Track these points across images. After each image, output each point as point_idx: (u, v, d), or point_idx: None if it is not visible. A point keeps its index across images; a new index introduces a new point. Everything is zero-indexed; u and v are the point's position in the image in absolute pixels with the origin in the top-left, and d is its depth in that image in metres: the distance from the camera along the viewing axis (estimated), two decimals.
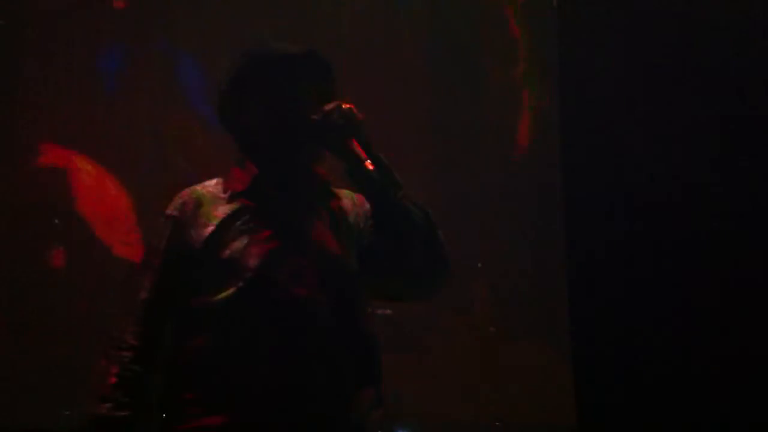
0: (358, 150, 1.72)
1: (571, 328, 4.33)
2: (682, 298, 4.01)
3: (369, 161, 1.71)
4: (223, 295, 1.70)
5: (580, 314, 4.32)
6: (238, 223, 1.78)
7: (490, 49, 4.52)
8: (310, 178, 1.88)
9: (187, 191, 1.88)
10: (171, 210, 1.85)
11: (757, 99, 3.94)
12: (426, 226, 1.79)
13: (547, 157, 4.43)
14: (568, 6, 4.56)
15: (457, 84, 4.46)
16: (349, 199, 1.93)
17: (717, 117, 4.06)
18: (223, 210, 1.80)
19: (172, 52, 4.00)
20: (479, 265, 3.79)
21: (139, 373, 1.72)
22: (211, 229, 1.77)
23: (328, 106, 1.76)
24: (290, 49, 1.89)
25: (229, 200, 1.83)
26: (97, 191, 3.83)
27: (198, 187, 1.89)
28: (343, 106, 1.76)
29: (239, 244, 1.74)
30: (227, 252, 1.74)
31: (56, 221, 3.71)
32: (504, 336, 4.13)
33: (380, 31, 4.36)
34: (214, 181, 1.90)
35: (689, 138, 4.12)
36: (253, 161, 1.87)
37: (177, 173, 3.77)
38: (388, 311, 3.06)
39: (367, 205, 1.84)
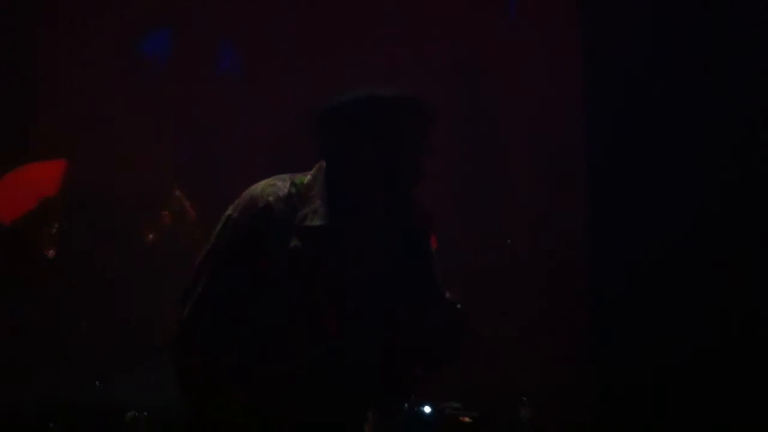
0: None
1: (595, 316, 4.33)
2: (708, 295, 3.99)
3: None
4: (284, 325, 1.76)
5: (603, 302, 4.32)
6: (311, 251, 1.73)
7: None
8: (399, 209, 1.80)
9: (255, 195, 1.78)
10: (235, 212, 1.78)
11: None
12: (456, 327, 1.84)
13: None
14: None
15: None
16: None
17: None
18: (297, 235, 1.74)
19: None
20: (509, 241, 3.85)
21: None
22: (282, 251, 1.73)
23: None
24: (404, 95, 1.83)
25: (308, 220, 1.76)
26: None
27: (269, 194, 1.78)
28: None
29: (307, 273, 1.73)
30: (295, 279, 1.73)
31: None
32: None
33: None
34: (286, 186, 1.79)
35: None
36: (337, 186, 1.79)
37: None
38: None
39: None
